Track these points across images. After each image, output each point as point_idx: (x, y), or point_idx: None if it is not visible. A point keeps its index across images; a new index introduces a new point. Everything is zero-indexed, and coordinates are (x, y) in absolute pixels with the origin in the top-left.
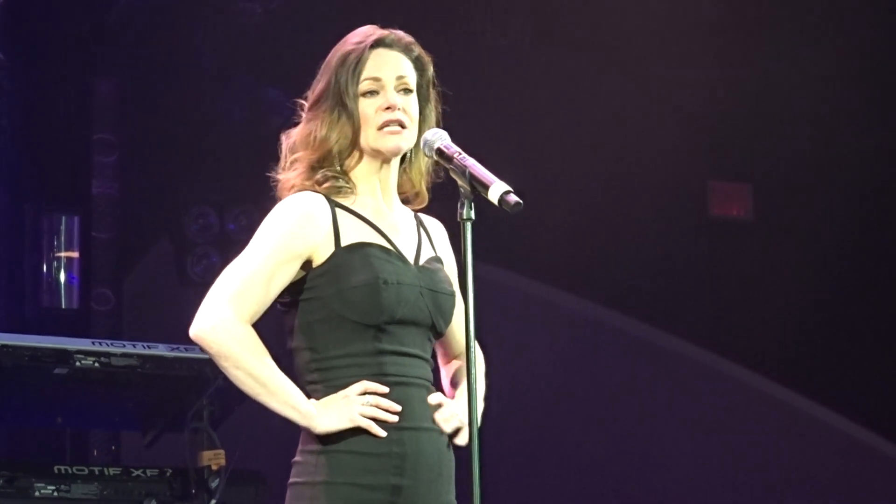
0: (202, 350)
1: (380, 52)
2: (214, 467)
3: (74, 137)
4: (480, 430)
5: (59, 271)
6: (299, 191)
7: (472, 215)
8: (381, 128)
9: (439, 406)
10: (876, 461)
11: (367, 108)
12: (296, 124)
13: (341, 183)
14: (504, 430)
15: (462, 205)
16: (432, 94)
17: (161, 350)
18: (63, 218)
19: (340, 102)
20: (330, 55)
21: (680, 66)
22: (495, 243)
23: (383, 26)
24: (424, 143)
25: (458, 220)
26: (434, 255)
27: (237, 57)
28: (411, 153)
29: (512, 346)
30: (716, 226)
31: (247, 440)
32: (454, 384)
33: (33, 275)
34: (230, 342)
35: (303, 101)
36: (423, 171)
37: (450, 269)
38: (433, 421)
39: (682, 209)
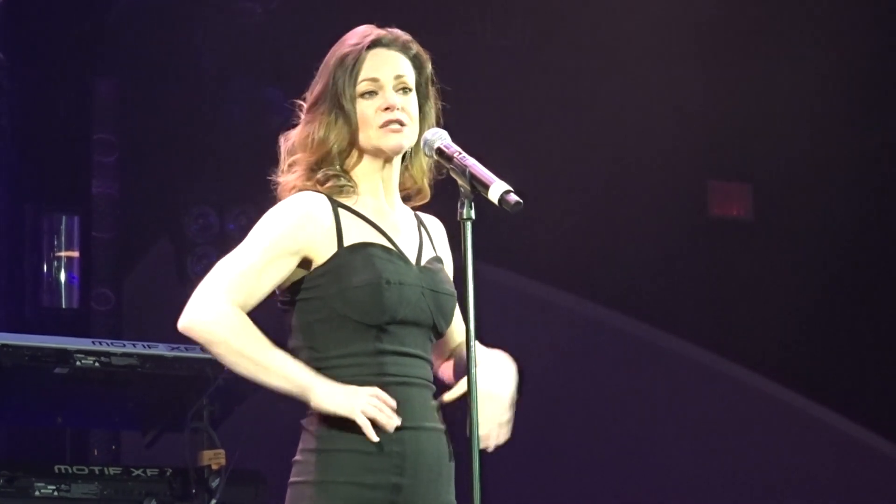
0: (202, 349)
1: (377, 52)
2: (214, 467)
3: (74, 137)
4: (480, 429)
5: (59, 271)
6: (301, 190)
7: (473, 215)
8: (381, 127)
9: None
10: (875, 461)
11: (367, 109)
12: (294, 126)
13: (343, 182)
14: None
15: (462, 204)
16: (431, 91)
17: (161, 350)
18: (63, 218)
19: (338, 104)
20: (328, 56)
21: (680, 66)
22: (495, 243)
23: (381, 26)
24: (424, 143)
25: (459, 219)
26: (435, 255)
27: (237, 57)
28: (412, 151)
29: (512, 346)
30: (716, 226)
31: (247, 440)
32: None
33: (33, 275)
34: (216, 326)
35: (302, 103)
36: (424, 168)
37: (449, 268)
38: (434, 420)
39: (681, 209)
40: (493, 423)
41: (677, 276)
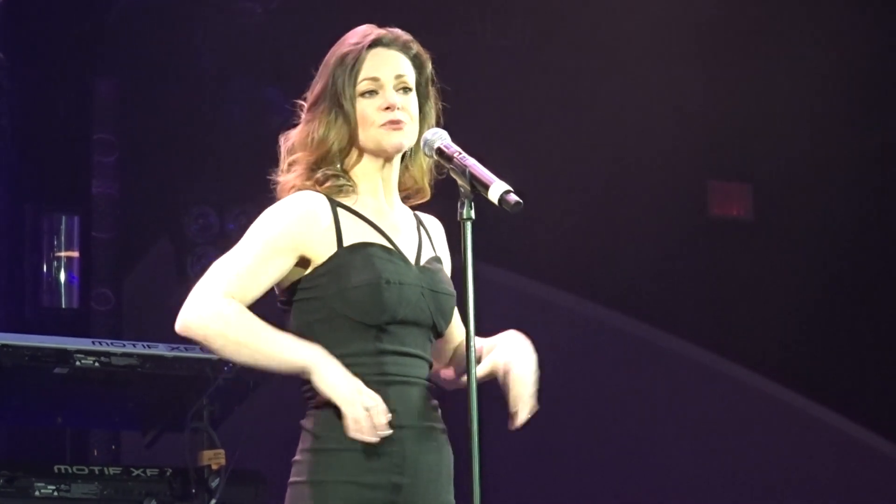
0: (202, 349)
1: (377, 52)
2: (214, 467)
3: (74, 137)
4: (480, 430)
5: (59, 271)
6: (300, 190)
7: (472, 215)
8: (381, 126)
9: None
10: (875, 461)
11: (367, 108)
12: (294, 125)
13: (342, 182)
14: (504, 430)
15: (462, 204)
16: (431, 91)
17: (161, 350)
18: (63, 218)
19: (337, 103)
20: (328, 56)
21: (680, 66)
22: (495, 243)
23: (381, 25)
24: (424, 143)
25: (458, 219)
26: (434, 254)
27: (237, 57)
28: (412, 151)
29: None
30: (716, 226)
31: (247, 440)
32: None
33: (33, 275)
34: (211, 321)
35: (302, 102)
36: (424, 168)
37: (448, 268)
38: (433, 420)
39: (681, 209)
40: (522, 401)
41: (677, 276)
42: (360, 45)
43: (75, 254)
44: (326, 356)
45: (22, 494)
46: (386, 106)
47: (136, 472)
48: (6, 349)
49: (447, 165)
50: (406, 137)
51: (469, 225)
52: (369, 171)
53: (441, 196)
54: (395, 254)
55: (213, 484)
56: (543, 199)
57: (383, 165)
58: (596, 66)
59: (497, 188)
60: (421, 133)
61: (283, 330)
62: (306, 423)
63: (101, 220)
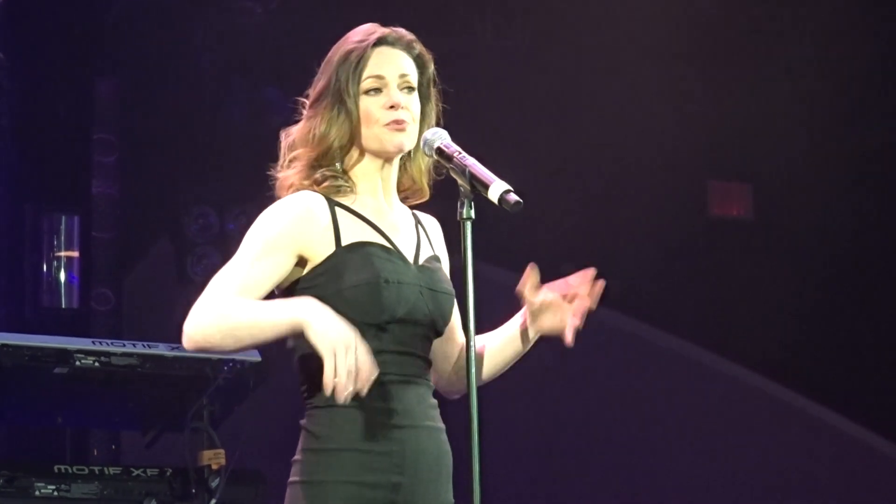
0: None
1: (382, 51)
2: (214, 467)
3: (74, 137)
4: (480, 430)
5: (59, 271)
6: (297, 190)
7: (472, 214)
8: (385, 125)
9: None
10: (875, 461)
11: (371, 106)
12: (296, 123)
13: (340, 182)
14: (503, 430)
15: (462, 204)
16: (433, 92)
17: (161, 350)
18: (63, 218)
19: (340, 100)
20: (331, 53)
21: (680, 66)
22: (495, 243)
23: (383, 25)
24: (424, 143)
25: (458, 219)
26: (432, 254)
27: (237, 57)
28: (411, 151)
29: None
30: (716, 226)
31: (247, 440)
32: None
33: (33, 275)
34: (206, 324)
35: (303, 100)
36: (423, 169)
37: (446, 267)
38: (433, 419)
39: (681, 209)
40: (565, 323)
41: (677, 276)
42: (365, 43)
43: (75, 254)
44: (316, 305)
45: (22, 494)
46: (390, 104)
47: (136, 472)
48: (6, 349)
49: (447, 165)
50: (408, 138)
51: (469, 224)
52: (369, 171)
53: (441, 196)
54: (393, 253)
55: (213, 484)
56: (543, 199)
57: (383, 165)
58: (596, 66)
59: (497, 188)
60: (420, 134)
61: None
62: (305, 422)
63: (101, 220)
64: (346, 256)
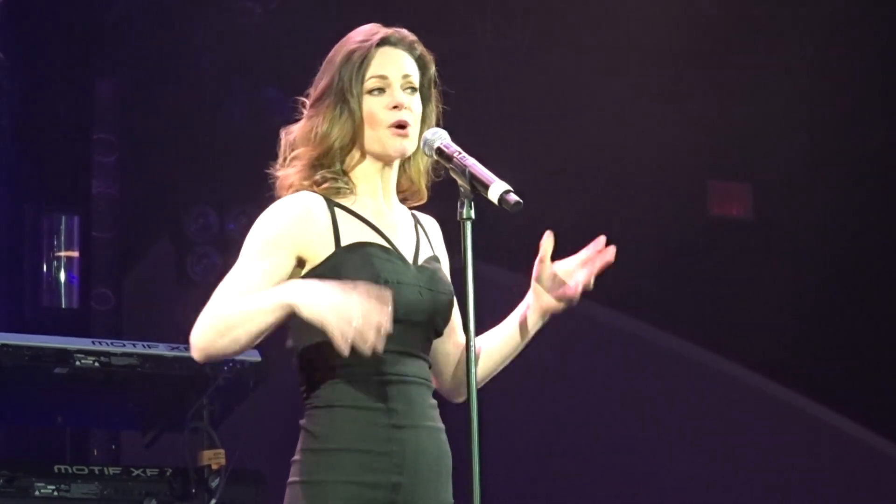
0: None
1: (385, 51)
2: (214, 467)
3: (74, 137)
4: (480, 430)
5: (59, 271)
6: (297, 190)
7: (472, 214)
8: (390, 127)
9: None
10: (875, 461)
11: (374, 107)
12: (296, 121)
13: (340, 185)
14: (503, 430)
15: (462, 204)
16: (433, 93)
17: (161, 349)
18: (63, 218)
19: (343, 99)
20: (333, 52)
21: (680, 66)
22: (495, 243)
23: (383, 25)
24: (424, 143)
25: (458, 219)
26: (432, 254)
27: (237, 57)
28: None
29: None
30: (716, 226)
31: (247, 440)
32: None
33: (33, 274)
34: (206, 329)
35: (303, 99)
36: (422, 170)
37: (446, 267)
38: (432, 419)
39: (681, 209)
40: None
41: (677, 276)
42: (368, 43)
43: (75, 254)
44: (300, 284)
45: (22, 494)
46: (394, 105)
47: (135, 472)
48: (6, 349)
49: (447, 165)
50: (410, 143)
51: (469, 224)
52: (369, 173)
53: (441, 196)
54: (392, 253)
55: (213, 484)
56: (543, 199)
57: (383, 167)
58: (596, 66)
59: (497, 188)
60: (420, 135)
61: (283, 330)
62: (305, 422)
63: (101, 220)
64: (346, 257)
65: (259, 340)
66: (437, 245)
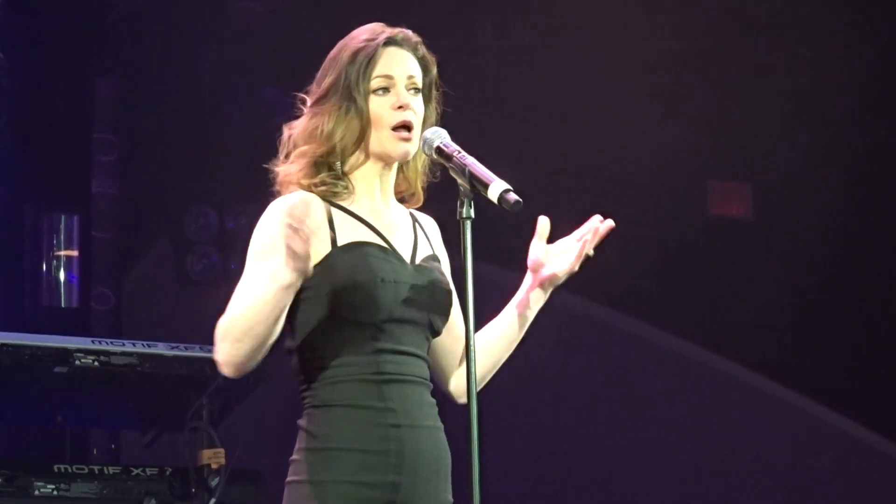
0: (201, 349)
1: (391, 51)
2: (214, 466)
3: (74, 137)
4: (480, 430)
5: (58, 270)
6: (297, 189)
7: (472, 214)
8: (394, 128)
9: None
10: (876, 460)
11: (379, 107)
12: (298, 118)
13: (339, 189)
14: (504, 429)
15: (461, 203)
16: (434, 94)
17: (161, 349)
18: (63, 217)
19: (350, 97)
20: (337, 50)
21: (680, 65)
22: (495, 243)
23: (387, 25)
24: (424, 142)
25: (458, 218)
26: (430, 253)
27: (237, 57)
28: None
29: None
30: (716, 226)
31: (247, 439)
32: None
33: (33, 274)
34: (228, 342)
35: (304, 96)
36: (419, 170)
37: (446, 267)
38: (431, 419)
39: (681, 209)
40: (567, 264)
41: (677, 276)
42: (375, 42)
43: (75, 253)
44: (279, 266)
45: (22, 494)
46: (399, 105)
47: (135, 472)
48: (6, 348)
49: (447, 164)
50: (413, 146)
51: (469, 224)
52: (369, 173)
53: (441, 196)
54: (390, 252)
55: (213, 483)
56: (543, 199)
57: (383, 168)
58: (596, 66)
59: (496, 187)
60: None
61: (284, 329)
62: (303, 422)
63: (100, 219)
64: (343, 256)
65: (277, 329)
66: (437, 244)
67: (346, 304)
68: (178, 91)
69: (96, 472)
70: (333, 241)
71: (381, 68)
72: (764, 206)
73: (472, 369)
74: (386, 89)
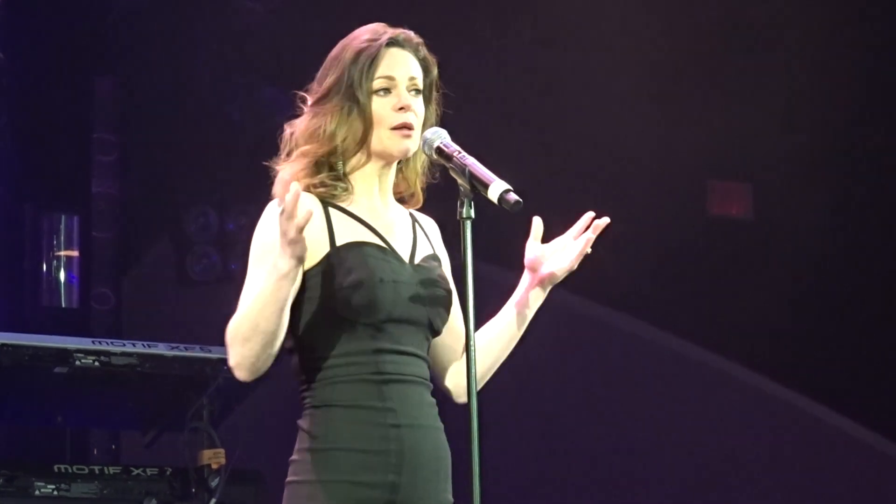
0: (201, 349)
1: (393, 52)
2: (214, 466)
3: (74, 137)
4: (480, 430)
5: (58, 270)
6: None
7: (472, 214)
8: (394, 129)
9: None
10: (875, 460)
11: (380, 107)
12: (297, 117)
13: (338, 190)
14: (504, 429)
15: (462, 203)
16: (434, 96)
17: (161, 349)
18: (63, 217)
19: (352, 98)
20: (338, 50)
21: (680, 65)
22: (495, 243)
23: (387, 25)
24: (424, 142)
25: (458, 218)
26: (429, 253)
27: (237, 57)
28: None
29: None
30: (715, 225)
31: (247, 439)
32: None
33: (33, 274)
34: (238, 346)
35: (304, 94)
36: (418, 170)
37: (446, 267)
38: (431, 419)
39: (681, 209)
40: (567, 262)
41: (677, 276)
42: (378, 43)
43: (75, 253)
44: (273, 265)
45: (22, 494)
46: (401, 106)
47: (135, 472)
48: (6, 349)
49: (447, 164)
50: (413, 144)
51: (469, 224)
52: (369, 173)
53: (441, 196)
54: (388, 252)
55: (213, 483)
56: (543, 199)
57: (383, 167)
58: (596, 66)
59: (497, 187)
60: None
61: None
62: (303, 422)
63: (100, 219)
64: (341, 256)
65: (283, 322)
66: (437, 244)
67: (346, 304)
68: (178, 91)
69: (96, 472)
70: (332, 241)
71: (383, 69)
72: (764, 206)
73: (473, 369)
74: (387, 90)
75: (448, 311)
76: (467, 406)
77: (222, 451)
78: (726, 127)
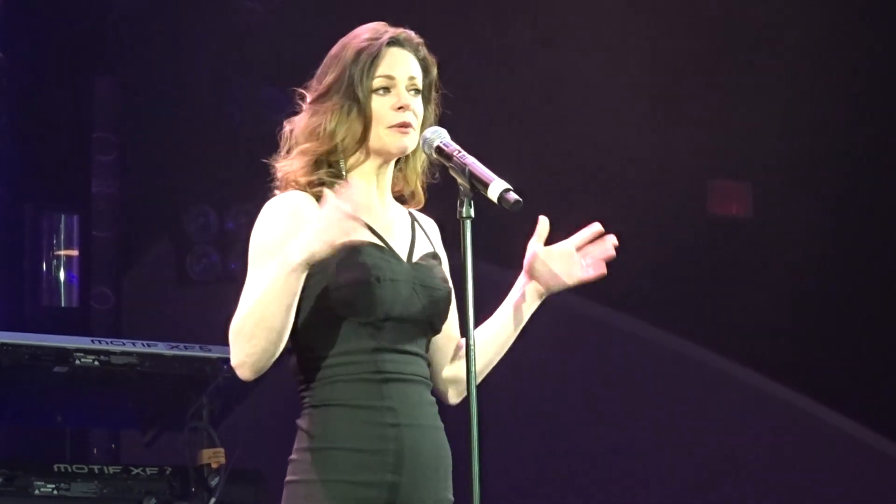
0: (200, 348)
1: (393, 51)
2: (214, 466)
3: (74, 137)
4: (480, 429)
5: (58, 270)
6: (297, 188)
7: (472, 213)
8: (392, 127)
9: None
10: (875, 460)
11: (380, 106)
12: (296, 114)
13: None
14: (504, 429)
15: (461, 203)
16: (433, 96)
17: (161, 349)
18: (63, 217)
19: (352, 97)
20: (338, 48)
21: (680, 65)
22: (495, 242)
23: (389, 24)
24: (424, 141)
25: (458, 217)
26: (428, 251)
27: (237, 57)
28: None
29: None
30: (715, 224)
31: (247, 439)
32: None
33: (33, 274)
34: (241, 343)
35: (303, 92)
36: (418, 170)
37: (445, 266)
38: (430, 418)
39: (681, 209)
40: (575, 271)
41: (677, 276)
42: (378, 42)
43: (75, 253)
44: (284, 255)
45: (21, 493)
46: (400, 105)
47: (135, 471)
48: (6, 348)
49: (447, 164)
50: (412, 141)
51: (469, 223)
52: (368, 172)
53: (441, 196)
54: (386, 251)
55: (213, 483)
56: (543, 199)
57: (381, 165)
58: (596, 66)
59: (496, 186)
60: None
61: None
62: (302, 422)
63: (100, 219)
64: (339, 255)
65: (290, 319)
66: (436, 244)
67: (344, 303)
68: (178, 91)
69: (96, 471)
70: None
71: (383, 68)
72: (764, 206)
73: (472, 369)
74: (387, 89)
75: (447, 310)
76: (467, 406)
77: (222, 450)
78: (726, 127)
